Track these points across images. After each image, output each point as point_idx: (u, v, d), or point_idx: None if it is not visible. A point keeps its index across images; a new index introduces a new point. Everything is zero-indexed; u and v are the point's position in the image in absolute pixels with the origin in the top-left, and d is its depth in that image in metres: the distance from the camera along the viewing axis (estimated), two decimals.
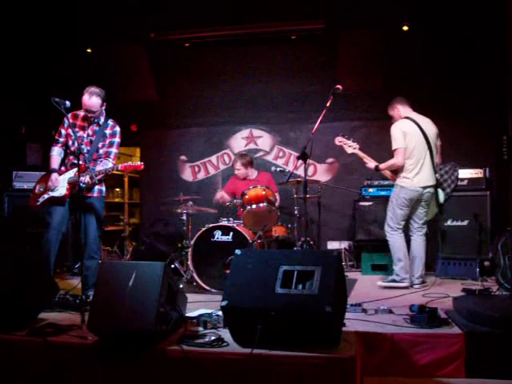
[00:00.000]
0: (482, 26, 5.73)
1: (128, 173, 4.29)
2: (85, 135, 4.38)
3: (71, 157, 4.45)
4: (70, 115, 4.37)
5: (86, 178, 4.13)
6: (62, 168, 4.47)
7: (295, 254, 3.15)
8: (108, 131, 4.45)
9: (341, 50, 6.20)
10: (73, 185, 4.28)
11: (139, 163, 4.22)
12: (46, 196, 4.37)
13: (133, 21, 6.20)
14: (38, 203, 4.40)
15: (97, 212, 4.41)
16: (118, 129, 4.50)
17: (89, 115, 4.35)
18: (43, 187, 4.42)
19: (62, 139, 4.46)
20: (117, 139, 4.48)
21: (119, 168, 4.23)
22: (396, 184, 4.85)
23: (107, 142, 4.44)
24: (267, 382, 2.64)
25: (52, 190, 4.34)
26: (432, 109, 6.26)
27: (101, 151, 4.42)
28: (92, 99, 4.27)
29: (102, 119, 4.44)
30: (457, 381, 2.99)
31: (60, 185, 4.32)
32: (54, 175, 4.34)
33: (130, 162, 4.25)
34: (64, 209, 4.35)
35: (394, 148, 4.73)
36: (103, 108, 4.41)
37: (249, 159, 6.01)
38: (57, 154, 4.46)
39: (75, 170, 4.27)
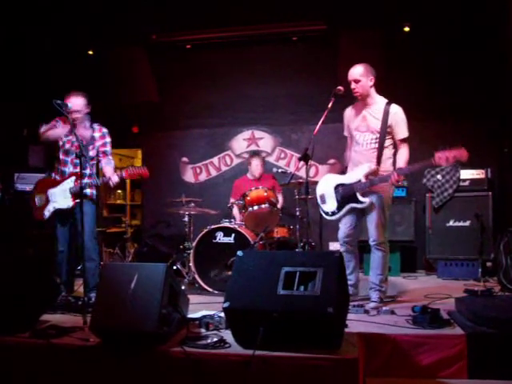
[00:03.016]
0: (482, 26, 5.73)
1: (134, 178, 4.42)
2: (74, 139, 4.39)
3: (63, 162, 4.50)
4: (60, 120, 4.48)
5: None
6: (53, 174, 4.54)
7: (297, 256, 3.15)
8: (97, 134, 4.53)
9: (342, 51, 6.20)
10: (77, 195, 4.26)
11: (144, 169, 4.27)
12: (51, 209, 4.42)
13: (134, 22, 6.20)
14: (46, 217, 4.45)
15: (90, 215, 4.42)
16: (105, 130, 4.60)
17: (73, 116, 4.31)
18: (43, 199, 4.46)
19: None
20: (108, 139, 4.58)
21: (123, 176, 4.29)
22: (382, 179, 3.89)
23: (100, 142, 4.53)
24: (269, 383, 2.64)
25: (55, 202, 4.41)
26: (434, 109, 6.30)
27: (90, 153, 4.47)
28: (77, 99, 4.36)
29: (88, 124, 4.51)
30: (459, 382, 2.98)
31: (62, 196, 4.37)
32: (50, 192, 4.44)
33: (134, 168, 4.31)
34: (65, 228, 4.46)
35: (407, 135, 3.93)
36: (87, 111, 4.48)
37: (263, 158, 6.14)
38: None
39: (73, 178, 4.36)
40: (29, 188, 6.03)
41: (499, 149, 6.15)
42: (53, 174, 4.57)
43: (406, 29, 6.01)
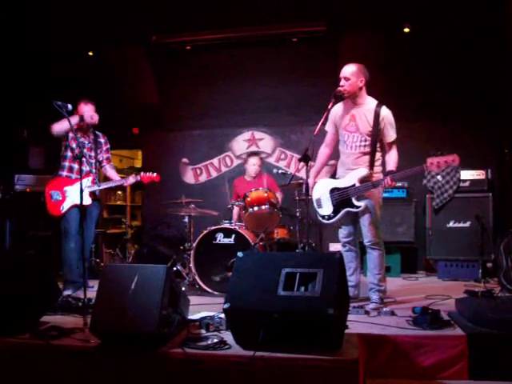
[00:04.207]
0: (483, 26, 5.72)
1: (146, 183, 4.88)
2: (86, 142, 4.78)
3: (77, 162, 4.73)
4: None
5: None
6: (64, 173, 4.60)
7: (297, 256, 3.15)
8: (102, 139, 4.96)
9: (342, 52, 6.20)
10: (92, 193, 4.70)
11: (155, 174, 4.75)
12: (69, 203, 4.65)
13: (134, 24, 6.21)
14: (62, 211, 4.67)
15: (97, 217, 4.98)
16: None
17: (90, 123, 4.76)
18: (59, 194, 4.66)
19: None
20: (109, 145, 5.06)
21: (138, 179, 4.73)
22: (376, 184, 3.92)
23: (105, 148, 5.01)
24: None
25: (73, 198, 4.63)
26: (434, 110, 6.30)
27: (99, 156, 4.91)
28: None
29: (92, 129, 4.90)
30: (459, 383, 2.98)
31: (78, 194, 4.52)
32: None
33: (149, 174, 4.75)
34: (77, 217, 4.65)
35: (395, 137, 3.98)
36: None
37: (260, 158, 6.14)
38: None
39: (90, 178, 4.70)
40: (29, 190, 6.07)
41: (499, 149, 6.16)
42: (65, 172, 4.75)
43: (406, 30, 6.01)
